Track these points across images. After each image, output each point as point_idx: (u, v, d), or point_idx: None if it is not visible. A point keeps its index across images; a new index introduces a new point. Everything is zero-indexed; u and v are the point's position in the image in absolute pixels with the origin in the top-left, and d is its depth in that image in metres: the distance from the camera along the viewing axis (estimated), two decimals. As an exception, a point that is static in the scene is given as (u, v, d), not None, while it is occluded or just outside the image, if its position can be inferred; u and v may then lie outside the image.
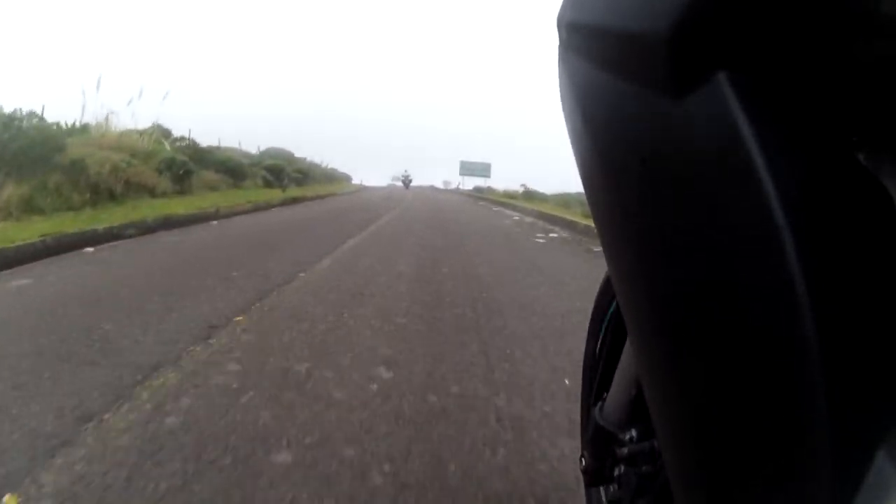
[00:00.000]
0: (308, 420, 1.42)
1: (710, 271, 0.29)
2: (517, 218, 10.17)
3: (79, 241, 3.94)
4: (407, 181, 32.94)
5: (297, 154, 20.61)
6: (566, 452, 1.31)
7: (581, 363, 0.85)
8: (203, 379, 1.65)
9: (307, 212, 8.68)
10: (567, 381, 1.76)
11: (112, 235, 4.35)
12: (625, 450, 0.61)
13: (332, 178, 23.45)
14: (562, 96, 0.44)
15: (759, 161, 0.25)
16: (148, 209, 5.70)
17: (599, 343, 0.80)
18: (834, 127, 0.28)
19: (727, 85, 0.27)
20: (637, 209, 0.35)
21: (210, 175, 9.52)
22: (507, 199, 16.53)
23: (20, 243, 3.44)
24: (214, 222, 6.11)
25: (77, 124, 7.89)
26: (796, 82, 0.27)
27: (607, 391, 0.69)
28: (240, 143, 16.85)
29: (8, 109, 6.00)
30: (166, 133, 10.16)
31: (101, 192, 5.97)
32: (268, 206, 8.59)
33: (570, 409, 1.51)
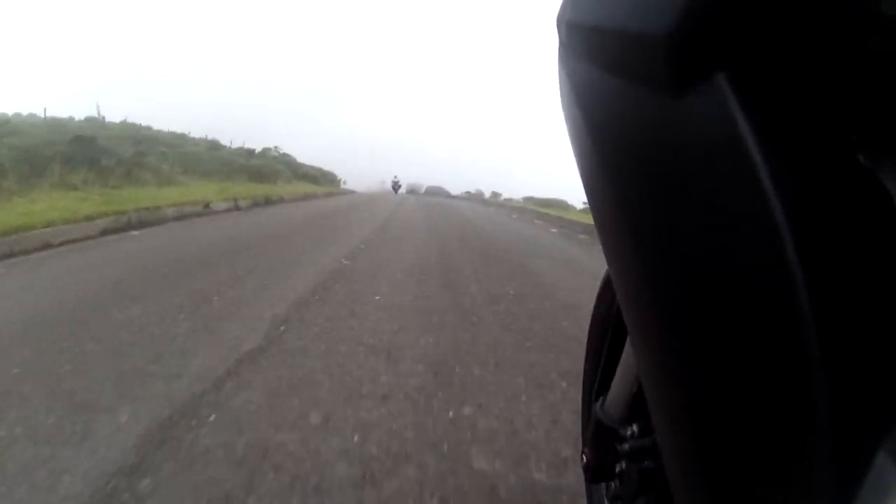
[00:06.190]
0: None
1: (710, 271, 0.29)
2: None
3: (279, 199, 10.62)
4: (396, 186, 36.46)
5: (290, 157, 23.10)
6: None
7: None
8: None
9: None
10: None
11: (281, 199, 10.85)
12: (626, 446, 0.61)
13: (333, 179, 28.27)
14: (561, 96, 0.44)
15: (758, 161, 0.25)
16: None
17: (601, 339, 0.80)
18: (834, 127, 0.28)
19: (727, 85, 0.27)
20: (636, 209, 0.35)
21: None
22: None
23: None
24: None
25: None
26: (796, 82, 0.27)
27: (609, 387, 0.69)
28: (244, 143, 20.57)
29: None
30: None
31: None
32: (344, 193, 16.03)
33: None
